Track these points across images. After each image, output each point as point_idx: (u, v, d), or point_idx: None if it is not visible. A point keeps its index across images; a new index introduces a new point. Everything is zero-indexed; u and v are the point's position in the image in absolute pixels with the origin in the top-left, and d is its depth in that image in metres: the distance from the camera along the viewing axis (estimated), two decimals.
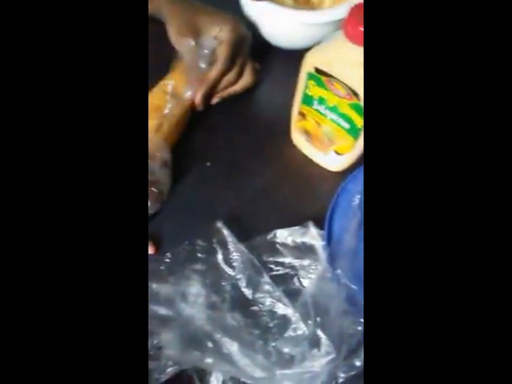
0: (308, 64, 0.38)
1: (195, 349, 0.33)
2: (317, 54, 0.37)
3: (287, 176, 0.46)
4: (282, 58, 0.52)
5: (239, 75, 0.46)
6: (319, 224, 0.41)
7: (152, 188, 0.40)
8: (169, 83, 0.45)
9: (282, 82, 0.51)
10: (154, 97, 0.44)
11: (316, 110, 0.42)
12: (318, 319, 0.34)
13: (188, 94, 0.44)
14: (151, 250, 0.40)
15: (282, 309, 0.37)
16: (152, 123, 0.42)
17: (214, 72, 0.44)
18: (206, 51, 0.43)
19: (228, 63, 0.44)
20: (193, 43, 0.42)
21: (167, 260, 0.38)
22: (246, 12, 0.51)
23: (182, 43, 0.43)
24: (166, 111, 0.43)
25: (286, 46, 0.52)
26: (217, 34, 0.43)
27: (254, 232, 0.41)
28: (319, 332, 0.33)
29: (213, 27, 0.43)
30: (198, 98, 0.44)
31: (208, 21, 0.44)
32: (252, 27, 0.50)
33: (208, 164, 0.45)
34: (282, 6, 0.48)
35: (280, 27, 0.50)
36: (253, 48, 0.48)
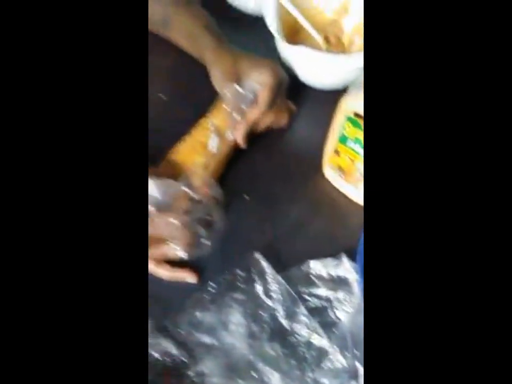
0: (347, 109, 0.41)
1: (238, 377, 0.35)
2: (357, 99, 0.40)
3: (320, 209, 0.48)
4: (315, 97, 0.55)
5: (278, 115, 0.49)
6: (352, 256, 0.43)
7: (207, 230, 0.41)
8: (211, 121, 0.48)
9: (315, 120, 0.54)
10: (198, 134, 0.47)
11: (351, 148, 0.44)
12: (357, 352, 0.35)
13: (231, 134, 0.47)
14: (193, 279, 0.42)
15: (319, 340, 0.39)
16: (199, 160, 0.45)
17: (255, 115, 0.47)
18: (248, 94, 0.46)
19: (268, 105, 0.47)
20: (236, 87, 0.45)
21: (210, 289, 0.40)
22: (282, 55, 0.54)
23: (224, 87, 0.46)
24: (214, 150, 0.46)
25: (319, 87, 0.55)
26: (258, 78, 0.46)
27: (289, 262, 0.43)
28: (358, 365, 0.35)
29: (254, 71, 0.46)
30: (241, 139, 0.47)
31: (248, 66, 0.47)
32: (286, 68, 0.53)
33: (246, 196, 0.48)
34: (315, 49, 0.51)
35: (313, 69, 0.53)
36: (288, 87, 0.51)
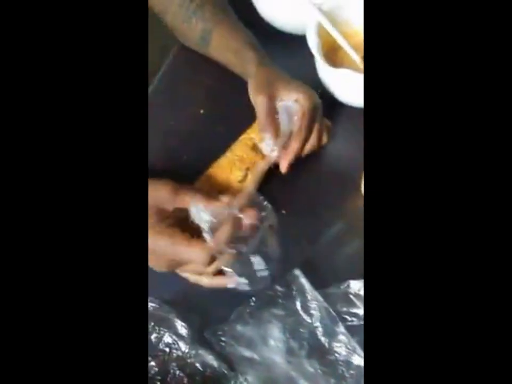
0: None
1: None
2: None
3: (359, 227, 0.48)
4: (353, 115, 0.56)
5: (318, 140, 0.50)
6: None
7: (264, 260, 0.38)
8: (251, 137, 0.49)
9: (353, 137, 0.54)
10: (239, 150, 0.49)
11: None
12: None
13: (269, 151, 0.47)
14: (233, 283, 0.40)
15: (358, 360, 0.39)
16: (237, 174, 0.46)
17: (297, 142, 0.47)
18: (285, 114, 0.46)
19: (308, 131, 0.47)
20: (266, 100, 0.45)
21: (252, 304, 0.40)
22: (321, 74, 0.55)
23: (257, 99, 0.47)
24: (254, 166, 0.47)
25: (356, 105, 0.56)
26: (296, 101, 0.46)
27: (328, 280, 0.44)
28: None
29: (290, 93, 0.47)
30: (285, 167, 0.47)
31: (286, 85, 0.47)
32: (322, 87, 0.54)
33: (283, 211, 0.48)
34: (355, 71, 0.52)
35: (352, 89, 0.54)
36: (325, 105, 0.52)
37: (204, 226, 0.36)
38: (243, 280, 0.39)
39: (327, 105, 0.51)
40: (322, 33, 0.55)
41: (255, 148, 0.48)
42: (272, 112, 0.46)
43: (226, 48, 0.53)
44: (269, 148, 0.47)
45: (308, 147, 0.49)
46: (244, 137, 0.50)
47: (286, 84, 0.48)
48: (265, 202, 0.38)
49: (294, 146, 0.47)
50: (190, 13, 0.54)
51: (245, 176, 0.47)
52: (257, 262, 0.38)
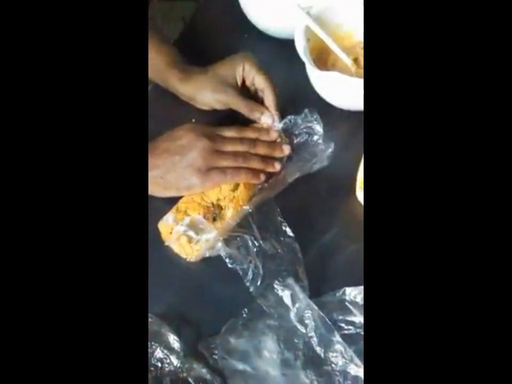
0: None
1: None
2: None
3: (354, 233, 0.47)
4: (346, 120, 0.55)
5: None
6: None
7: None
8: None
9: (347, 143, 0.54)
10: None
11: None
12: None
13: (271, 122, 0.50)
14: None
15: (355, 370, 0.38)
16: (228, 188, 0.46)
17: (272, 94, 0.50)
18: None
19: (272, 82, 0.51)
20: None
21: (244, 315, 0.40)
22: (311, 79, 0.54)
23: (221, 97, 0.51)
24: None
25: (348, 109, 0.55)
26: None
27: (323, 288, 0.43)
28: None
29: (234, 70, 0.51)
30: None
31: (225, 70, 0.51)
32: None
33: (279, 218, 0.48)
34: (344, 73, 0.51)
35: (343, 92, 0.53)
36: (317, 109, 0.51)
37: None
38: None
39: (318, 109, 0.51)
40: (313, 37, 0.55)
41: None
42: (243, 96, 0.50)
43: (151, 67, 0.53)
44: (269, 119, 0.50)
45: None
46: None
47: (223, 68, 0.51)
48: None
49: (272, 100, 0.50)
50: None
51: (237, 184, 0.46)
52: None
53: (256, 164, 0.47)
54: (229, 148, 0.47)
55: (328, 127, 0.53)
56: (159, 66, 0.52)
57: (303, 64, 0.53)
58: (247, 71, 0.51)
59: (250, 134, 0.49)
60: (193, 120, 0.55)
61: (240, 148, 0.47)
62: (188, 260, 0.44)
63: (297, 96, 0.55)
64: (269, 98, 0.50)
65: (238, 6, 0.61)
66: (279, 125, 0.50)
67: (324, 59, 0.58)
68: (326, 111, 0.54)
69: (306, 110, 0.50)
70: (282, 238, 0.45)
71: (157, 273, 0.39)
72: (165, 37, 0.57)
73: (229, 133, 0.48)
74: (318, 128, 0.50)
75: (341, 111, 0.55)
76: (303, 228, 0.47)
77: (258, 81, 0.51)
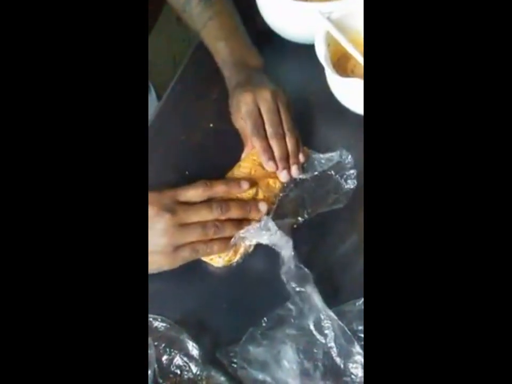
0: None
1: None
2: None
3: None
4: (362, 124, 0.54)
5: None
6: None
7: None
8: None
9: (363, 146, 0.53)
10: (246, 166, 0.48)
11: None
12: None
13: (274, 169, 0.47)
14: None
15: None
16: (248, 191, 0.45)
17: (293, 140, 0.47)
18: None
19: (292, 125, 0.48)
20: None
21: (264, 324, 0.40)
22: (330, 84, 0.54)
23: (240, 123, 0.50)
24: (263, 181, 0.46)
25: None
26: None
27: (343, 297, 0.42)
28: None
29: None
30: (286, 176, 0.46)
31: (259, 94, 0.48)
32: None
33: (294, 226, 0.47)
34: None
35: (360, 98, 0.52)
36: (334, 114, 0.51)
37: None
38: None
39: (336, 114, 0.50)
40: (332, 42, 0.54)
41: (262, 164, 0.47)
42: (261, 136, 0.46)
43: (216, 37, 0.54)
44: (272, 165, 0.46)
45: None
46: (251, 152, 0.49)
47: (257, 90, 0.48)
48: None
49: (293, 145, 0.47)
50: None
51: (256, 192, 0.46)
52: None
53: (229, 232, 0.41)
54: (196, 218, 0.40)
55: (347, 133, 0.53)
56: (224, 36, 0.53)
57: (322, 69, 0.53)
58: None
59: (220, 189, 0.43)
60: (211, 125, 0.55)
61: (209, 216, 0.41)
62: (215, 266, 0.44)
63: (315, 103, 0.55)
64: (290, 141, 0.46)
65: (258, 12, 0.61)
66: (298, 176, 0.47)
67: (343, 65, 0.57)
68: (344, 116, 0.54)
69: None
70: None
71: (177, 279, 0.39)
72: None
73: (195, 192, 0.42)
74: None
75: (360, 117, 0.55)
76: (325, 235, 0.47)
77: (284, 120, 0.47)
